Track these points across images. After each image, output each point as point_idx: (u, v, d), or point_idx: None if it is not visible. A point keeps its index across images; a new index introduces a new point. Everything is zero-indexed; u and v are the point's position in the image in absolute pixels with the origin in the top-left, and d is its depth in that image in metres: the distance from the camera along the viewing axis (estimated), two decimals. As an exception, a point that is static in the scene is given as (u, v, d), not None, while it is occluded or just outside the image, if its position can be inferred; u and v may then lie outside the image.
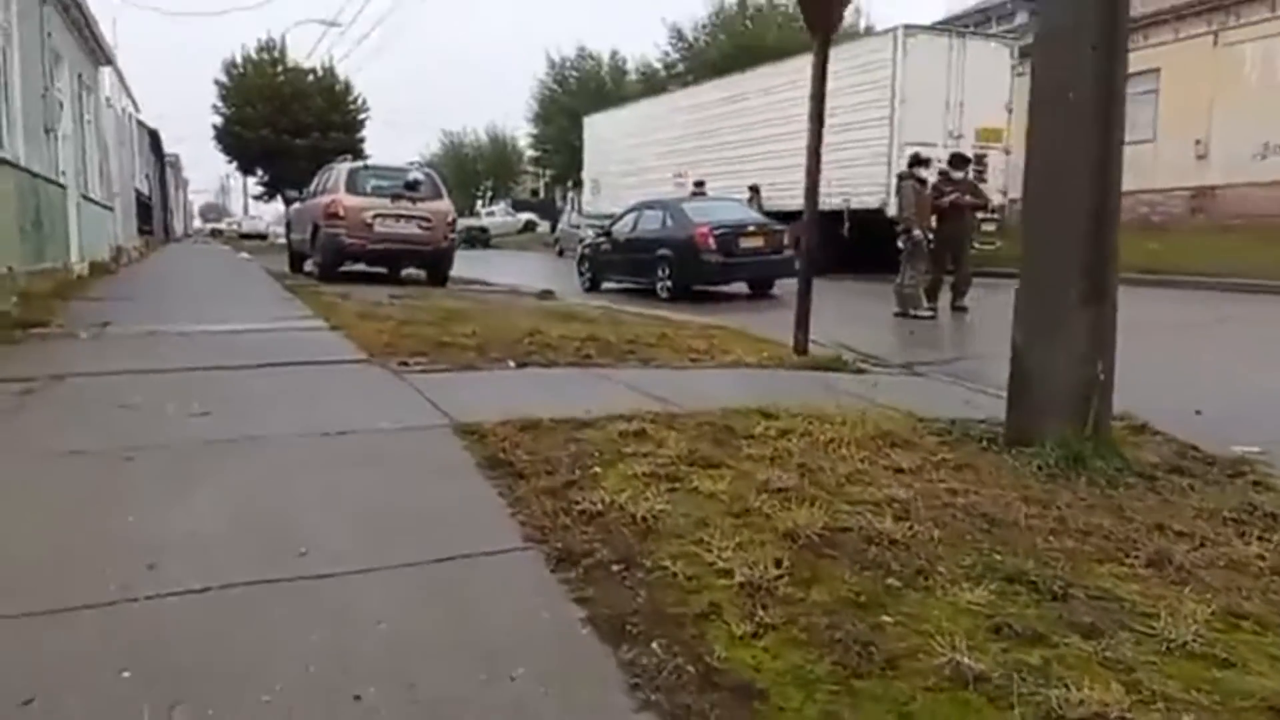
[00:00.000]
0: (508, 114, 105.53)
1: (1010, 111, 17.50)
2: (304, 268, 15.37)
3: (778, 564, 2.51)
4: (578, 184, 40.71)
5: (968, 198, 10.81)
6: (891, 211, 17.05)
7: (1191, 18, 20.76)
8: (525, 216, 51.83)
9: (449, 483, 3.26)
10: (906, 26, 16.45)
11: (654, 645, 2.06)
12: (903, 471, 3.40)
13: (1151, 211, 21.36)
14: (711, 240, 12.88)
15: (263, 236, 46.16)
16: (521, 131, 49.90)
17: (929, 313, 10.50)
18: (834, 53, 19.40)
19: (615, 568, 2.50)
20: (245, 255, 23.74)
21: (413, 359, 5.71)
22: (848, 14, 33.00)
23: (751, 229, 13.34)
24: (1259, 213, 19.23)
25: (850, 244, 17.37)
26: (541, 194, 58.69)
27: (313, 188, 15.52)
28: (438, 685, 1.90)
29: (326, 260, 13.45)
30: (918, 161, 11.00)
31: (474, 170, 54.53)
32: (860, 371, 6.45)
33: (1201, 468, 3.76)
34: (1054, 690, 1.87)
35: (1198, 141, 20.45)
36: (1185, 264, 14.53)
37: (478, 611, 2.26)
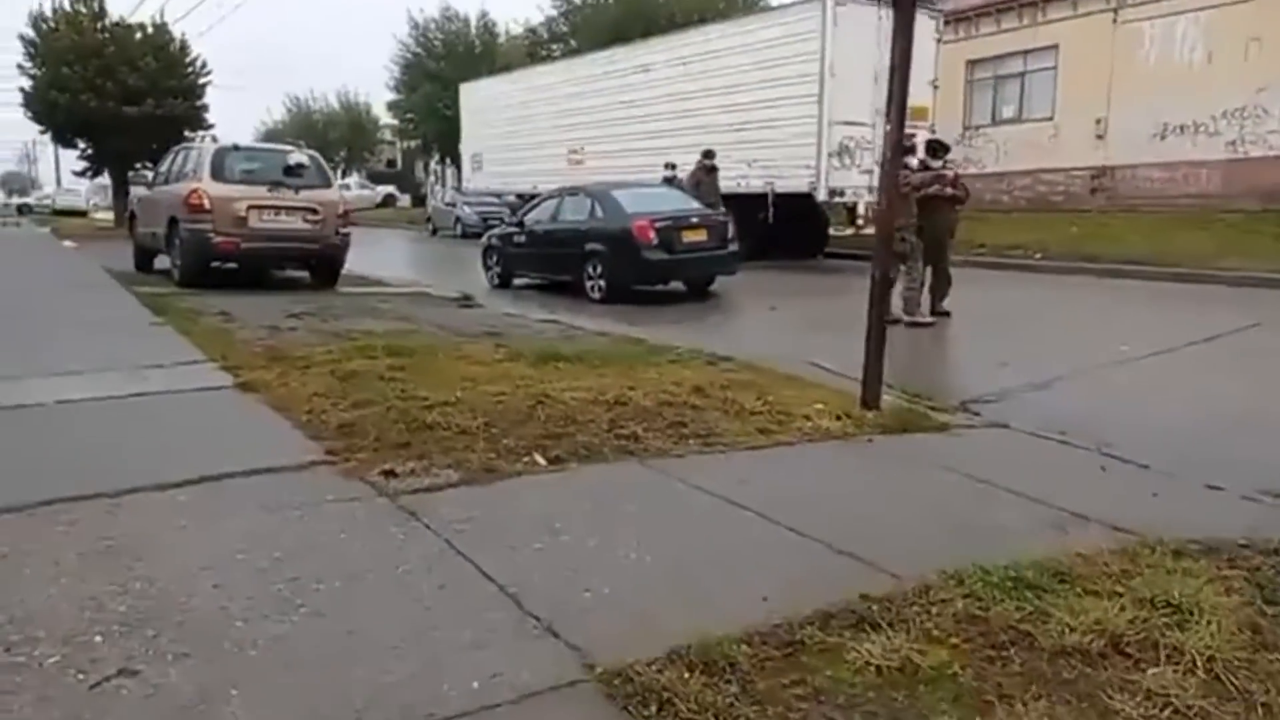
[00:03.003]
0: (361, 77, 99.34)
1: (936, 88, 16.70)
2: (155, 266, 12.82)
3: None
4: (447, 157, 37.76)
5: (949, 190, 9.68)
6: (822, 195, 16.04)
7: (1090, -6, 20.61)
8: (384, 190, 48.45)
9: None
10: (834, -6, 15.25)
11: None
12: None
13: (1050, 191, 21.24)
14: (653, 234, 11.30)
15: (82, 213, 41.24)
16: (378, 98, 46.24)
17: (927, 319, 9.36)
18: (755, 23, 18.22)
19: None
20: (70, 244, 20.23)
21: (395, 457, 3.94)
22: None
23: (695, 221, 11.82)
24: (1154, 194, 19.35)
25: (771, 230, 16.22)
26: (399, 165, 54.97)
27: (164, 170, 12.84)
28: None
29: (190, 264, 11.01)
30: (913, 149, 9.78)
31: (326, 139, 50.23)
32: (944, 428, 5.19)
33: None
34: None
35: (1098, 120, 20.37)
36: (1140, 252, 14.02)
37: None
